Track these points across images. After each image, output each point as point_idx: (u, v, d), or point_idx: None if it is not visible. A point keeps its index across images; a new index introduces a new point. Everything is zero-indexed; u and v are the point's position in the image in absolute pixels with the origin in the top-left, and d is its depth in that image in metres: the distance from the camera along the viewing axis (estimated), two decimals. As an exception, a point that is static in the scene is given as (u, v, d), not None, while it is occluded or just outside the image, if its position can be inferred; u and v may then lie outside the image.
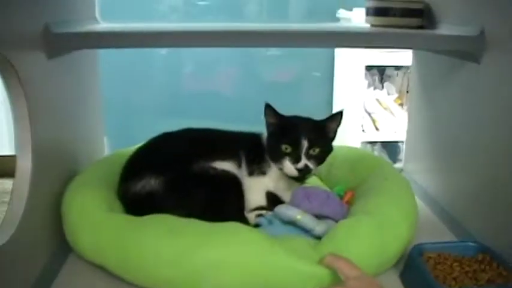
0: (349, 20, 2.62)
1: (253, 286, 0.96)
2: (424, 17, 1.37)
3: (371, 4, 1.39)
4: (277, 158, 1.22)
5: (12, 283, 0.92)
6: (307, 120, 1.27)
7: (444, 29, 1.30)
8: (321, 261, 0.96)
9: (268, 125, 1.26)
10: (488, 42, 1.14)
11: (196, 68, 3.05)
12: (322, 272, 0.95)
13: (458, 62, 1.27)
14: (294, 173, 1.20)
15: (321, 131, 1.24)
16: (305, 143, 1.19)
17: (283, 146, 1.20)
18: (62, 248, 1.12)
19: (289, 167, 1.20)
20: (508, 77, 1.07)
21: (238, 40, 1.19)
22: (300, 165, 1.18)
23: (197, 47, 1.23)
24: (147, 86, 2.98)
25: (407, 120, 1.68)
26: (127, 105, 2.92)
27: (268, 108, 1.23)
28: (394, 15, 1.34)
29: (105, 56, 1.80)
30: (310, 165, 1.19)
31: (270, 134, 1.27)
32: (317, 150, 1.20)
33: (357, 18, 2.46)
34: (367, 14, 1.41)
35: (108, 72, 1.88)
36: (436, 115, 1.44)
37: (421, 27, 1.36)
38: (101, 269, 1.05)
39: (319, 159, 1.22)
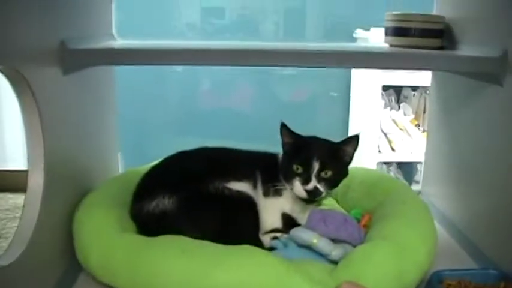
0: (366, 40, 2.61)
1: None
2: (445, 38, 1.35)
3: (390, 24, 1.37)
4: (289, 178, 1.19)
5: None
6: (322, 142, 1.24)
7: (465, 50, 1.28)
8: None
9: (284, 145, 1.24)
10: (512, 64, 1.11)
11: (212, 87, 3.04)
12: (339, 301, 0.91)
13: (479, 84, 1.24)
14: (303, 194, 1.17)
15: (334, 154, 1.20)
16: (316, 165, 1.16)
17: (295, 166, 1.18)
18: (73, 266, 1.10)
19: (298, 187, 1.17)
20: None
21: (255, 59, 1.18)
22: (309, 186, 1.16)
23: (214, 65, 1.22)
24: (163, 103, 2.98)
25: (426, 142, 1.65)
26: (142, 122, 2.92)
27: (284, 127, 1.22)
28: (414, 36, 1.32)
29: (121, 72, 1.79)
30: (321, 188, 1.16)
31: (284, 153, 1.25)
32: (329, 173, 1.17)
33: (374, 38, 2.45)
34: (386, 33, 1.39)
35: (124, 89, 1.86)
36: (456, 137, 1.41)
37: (441, 47, 1.33)
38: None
39: (331, 183, 1.19)
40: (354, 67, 2.57)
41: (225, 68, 2.85)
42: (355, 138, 1.20)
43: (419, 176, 2.87)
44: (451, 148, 1.45)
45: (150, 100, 2.93)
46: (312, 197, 1.19)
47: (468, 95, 1.31)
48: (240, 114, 3.03)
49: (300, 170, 1.17)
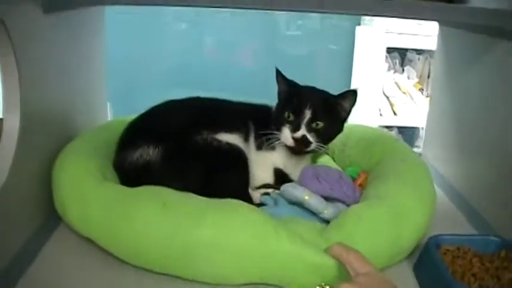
0: None
1: (251, 272, 0.87)
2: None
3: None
4: (279, 125, 1.14)
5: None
6: (318, 92, 1.19)
7: (475, 1, 1.20)
8: (327, 251, 0.86)
9: (280, 93, 1.20)
10: (525, 17, 1.03)
11: (214, 43, 2.99)
12: (329, 263, 0.85)
13: (488, 41, 1.17)
14: (290, 141, 1.12)
15: (329, 106, 1.15)
16: (308, 114, 1.11)
17: (286, 113, 1.13)
18: (51, 218, 1.04)
19: (287, 135, 1.12)
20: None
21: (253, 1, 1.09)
22: (298, 134, 1.11)
23: (208, 6, 1.13)
24: (161, 54, 2.93)
25: (429, 103, 1.58)
26: (137, 73, 2.86)
27: (278, 74, 1.17)
28: (421, -14, 1.24)
29: (119, 18, 1.72)
30: (310, 138, 1.11)
31: (278, 101, 1.20)
32: (320, 124, 1.12)
33: None
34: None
35: (121, 36, 1.78)
36: (460, 99, 1.34)
37: (450, 1, 1.25)
38: (91, 242, 0.96)
39: (323, 136, 1.13)
40: (356, 13, 2.47)
41: (229, 28, 2.80)
42: (353, 93, 1.14)
43: (420, 142, 2.82)
44: (454, 110, 1.38)
45: (148, 50, 2.88)
46: (300, 146, 1.13)
47: (475, 54, 1.24)
48: (242, 71, 2.98)
49: (291, 118, 1.13)
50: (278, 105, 1.19)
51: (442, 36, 1.50)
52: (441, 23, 1.48)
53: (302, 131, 1.11)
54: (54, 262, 0.94)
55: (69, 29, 1.19)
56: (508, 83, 1.09)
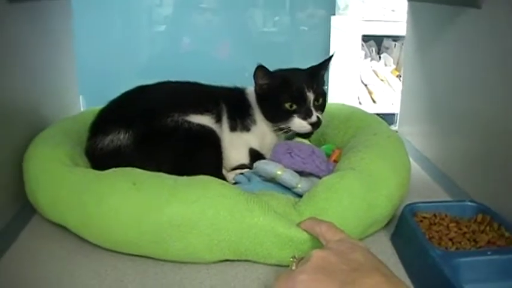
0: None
1: (224, 248, 0.85)
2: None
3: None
4: (282, 117, 1.14)
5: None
6: (301, 72, 1.20)
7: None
8: (299, 225, 0.84)
9: (260, 86, 1.17)
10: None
11: (191, 39, 3.02)
12: (303, 236, 0.83)
13: (455, 11, 1.16)
14: (307, 128, 1.13)
15: (317, 79, 1.18)
16: (311, 96, 1.13)
17: (287, 104, 1.13)
18: (24, 210, 1.03)
19: (300, 123, 1.13)
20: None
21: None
22: (313, 118, 1.12)
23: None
24: (136, 48, 2.94)
25: (402, 80, 1.59)
26: (112, 66, 2.86)
27: (261, 68, 1.13)
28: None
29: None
30: (320, 117, 1.14)
31: (263, 96, 1.18)
32: (321, 100, 1.16)
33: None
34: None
35: (93, 29, 1.75)
36: (432, 72, 1.34)
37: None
38: (66, 232, 0.95)
39: (323, 109, 1.17)
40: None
41: (207, 26, 2.85)
42: (330, 59, 1.20)
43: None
44: (426, 84, 1.38)
45: (122, 46, 2.90)
46: (315, 129, 1.15)
47: (444, 26, 1.24)
48: (219, 63, 3.00)
49: (294, 107, 1.13)
50: (267, 100, 1.18)
51: (411, 12, 1.51)
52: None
53: (315, 114, 1.13)
54: (28, 253, 0.92)
55: (35, 20, 1.17)
56: (476, 51, 1.09)
